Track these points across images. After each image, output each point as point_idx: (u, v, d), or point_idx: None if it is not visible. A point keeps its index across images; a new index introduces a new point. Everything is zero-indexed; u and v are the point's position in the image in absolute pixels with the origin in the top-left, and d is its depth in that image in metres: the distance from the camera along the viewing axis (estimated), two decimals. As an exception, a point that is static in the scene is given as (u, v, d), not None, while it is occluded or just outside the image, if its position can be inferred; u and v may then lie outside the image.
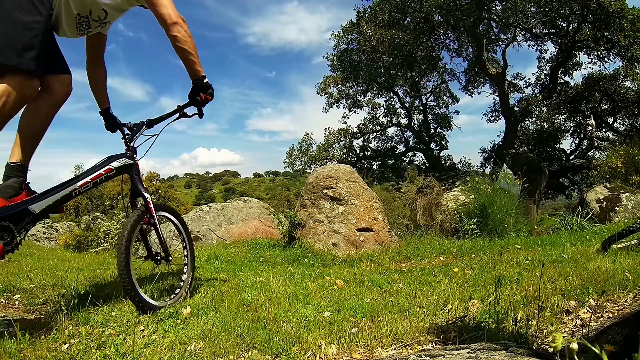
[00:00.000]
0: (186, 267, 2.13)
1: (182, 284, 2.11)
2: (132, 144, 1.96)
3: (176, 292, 2.06)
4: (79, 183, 1.70)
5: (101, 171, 1.80)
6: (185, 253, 2.15)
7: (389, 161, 15.43)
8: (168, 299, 1.98)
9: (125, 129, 2.05)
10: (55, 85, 1.69)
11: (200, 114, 1.96)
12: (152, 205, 1.92)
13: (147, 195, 1.93)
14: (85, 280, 2.68)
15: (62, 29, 1.71)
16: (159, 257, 2.03)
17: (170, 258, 2.08)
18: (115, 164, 1.85)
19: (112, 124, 2.09)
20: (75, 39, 1.81)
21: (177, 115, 2.01)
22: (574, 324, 1.63)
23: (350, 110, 14.65)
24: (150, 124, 2.04)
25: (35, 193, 1.66)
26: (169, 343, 1.51)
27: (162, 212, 2.07)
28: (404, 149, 15.49)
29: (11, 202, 1.56)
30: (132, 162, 1.93)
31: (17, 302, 2.17)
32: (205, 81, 1.86)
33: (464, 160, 15.28)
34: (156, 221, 1.95)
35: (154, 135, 2.05)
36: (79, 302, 2.05)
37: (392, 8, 10.29)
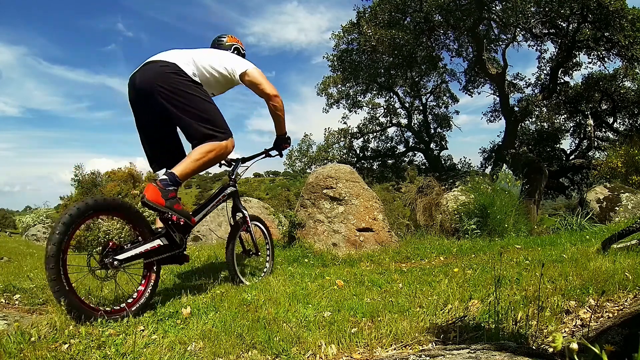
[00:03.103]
0: (268, 257, 2.97)
1: (265, 270, 2.89)
2: (233, 177, 2.65)
3: (262, 276, 2.80)
4: (211, 205, 2.42)
5: (220, 197, 2.51)
6: (267, 248, 2.99)
7: (389, 161, 15.44)
8: (256, 280, 2.69)
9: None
10: None
11: (280, 155, 2.77)
12: (248, 218, 2.68)
13: (245, 212, 2.69)
14: (85, 280, 2.67)
15: None
16: (251, 252, 2.82)
17: (259, 253, 2.86)
18: (227, 191, 2.58)
19: None
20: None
21: (263, 155, 2.79)
22: (574, 324, 1.63)
23: (350, 111, 14.67)
24: (244, 161, 2.77)
25: None
26: (169, 343, 1.51)
27: (254, 222, 2.84)
28: (404, 149, 15.50)
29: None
30: (234, 189, 2.65)
31: (17, 302, 2.17)
32: (287, 136, 2.60)
33: (464, 160, 15.33)
34: (250, 229, 2.72)
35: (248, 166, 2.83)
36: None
37: (392, 8, 10.29)
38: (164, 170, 2.21)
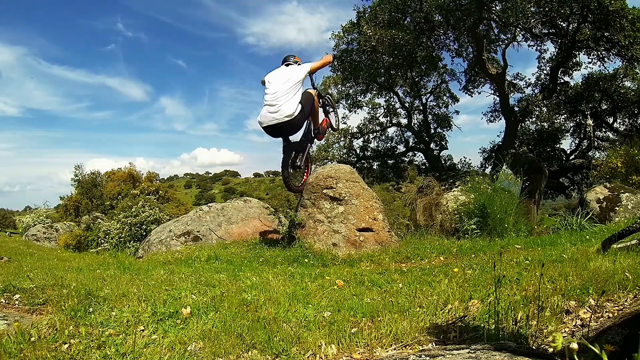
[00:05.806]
0: (336, 114, 5.46)
1: (335, 119, 5.42)
2: (314, 85, 4.98)
3: (332, 118, 5.33)
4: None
5: (321, 101, 5.17)
6: (334, 110, 5.37)
7: (389, 161, 15.40)
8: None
9: None
10: None
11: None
12: (326, 95, 5.40)
13: (327, 96, 5.54)
14: (85, 280, 2.68)
15: None
16: (331, 110, 5.47)
17: (334, 109, 5.46)
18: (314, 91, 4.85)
19: None
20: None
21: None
22: (574, 324, 1.63)
23: (350, 111, 14.64)
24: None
25: None
26: (169, 343, 1.51)
27: (328, 96, 5.28)
28: (404, 149, 15.47)
29: None
30: (316, 91, 4.90)
31: (17, 302, 2.17)
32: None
33: (464, 160, 15.28)
34: (328, 98, 5.47)
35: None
36: (79, 302, 2.05)
37: (392, 8, 10.27)
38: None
